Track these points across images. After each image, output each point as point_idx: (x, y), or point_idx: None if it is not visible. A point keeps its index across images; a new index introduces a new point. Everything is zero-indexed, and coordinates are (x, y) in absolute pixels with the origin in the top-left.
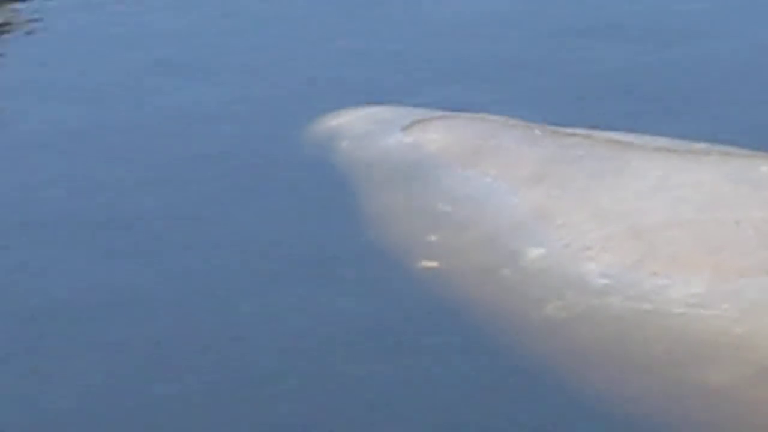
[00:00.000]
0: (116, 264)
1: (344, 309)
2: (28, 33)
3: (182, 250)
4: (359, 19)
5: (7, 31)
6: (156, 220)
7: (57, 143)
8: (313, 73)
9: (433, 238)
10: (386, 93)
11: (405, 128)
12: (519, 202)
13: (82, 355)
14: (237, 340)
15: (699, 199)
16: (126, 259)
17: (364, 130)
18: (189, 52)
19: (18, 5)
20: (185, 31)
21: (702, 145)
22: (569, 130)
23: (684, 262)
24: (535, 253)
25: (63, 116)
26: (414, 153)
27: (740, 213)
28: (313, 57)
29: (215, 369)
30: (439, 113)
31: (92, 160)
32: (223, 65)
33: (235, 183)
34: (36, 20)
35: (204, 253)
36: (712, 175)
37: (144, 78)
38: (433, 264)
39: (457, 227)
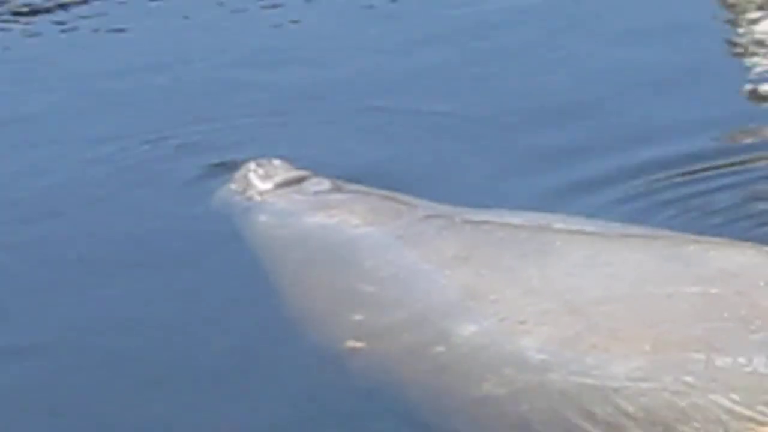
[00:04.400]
0: None
1: (269, 393)
2: None
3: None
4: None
5: None
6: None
7: None
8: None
9: (358, 317)
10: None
11: (326, 206)
12: (447, 282)
13: None
14: None
15: (630, 276)
16: None
17: (284, 205)
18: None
19: None
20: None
21: (618, 225)
22: (482, 213)
23: (623, 336)
24: (468, 330)
25: None
26: (336, 235)
27: (673, 288)
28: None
29: None
30: (359, 189)
31: None
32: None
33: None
34: None
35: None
36: (640, 254)
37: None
38: (360, 344)
39: (384, 306)
